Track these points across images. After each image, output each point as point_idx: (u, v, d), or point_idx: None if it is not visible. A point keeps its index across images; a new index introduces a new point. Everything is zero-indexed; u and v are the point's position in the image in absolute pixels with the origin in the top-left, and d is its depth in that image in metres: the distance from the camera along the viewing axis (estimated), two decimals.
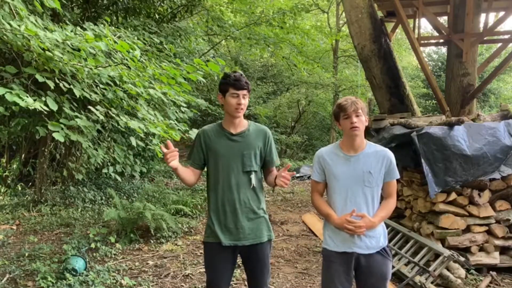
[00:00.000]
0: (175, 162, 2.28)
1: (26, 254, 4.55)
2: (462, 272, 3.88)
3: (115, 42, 3.91)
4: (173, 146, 2.28)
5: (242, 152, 2.35)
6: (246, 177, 2.36)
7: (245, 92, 2.30)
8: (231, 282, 3.91)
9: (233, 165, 2.34)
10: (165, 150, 2.26)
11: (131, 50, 4.02)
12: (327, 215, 2.30)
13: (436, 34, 7.75)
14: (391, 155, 2.29)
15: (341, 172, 2.26)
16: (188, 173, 2.42)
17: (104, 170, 6.21)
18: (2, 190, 7.69)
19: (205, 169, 2.49)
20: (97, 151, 5.33)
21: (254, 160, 2.37)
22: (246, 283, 3.83)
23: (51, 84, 3.61)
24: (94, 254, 4.64)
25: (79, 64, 3.78)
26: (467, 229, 4.15)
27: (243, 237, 2.34)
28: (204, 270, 4.25)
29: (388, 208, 2.29)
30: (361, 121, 2.22)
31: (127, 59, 4.17)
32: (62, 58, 3.56)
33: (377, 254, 2.26)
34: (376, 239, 2.25)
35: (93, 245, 4.78)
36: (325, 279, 2.33)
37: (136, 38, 4.97)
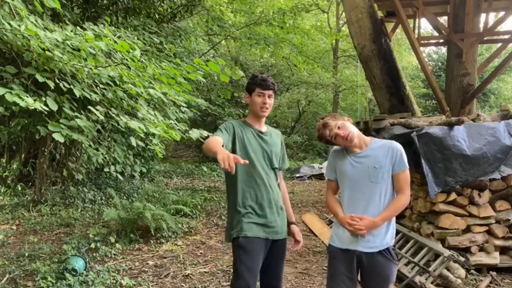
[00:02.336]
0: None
1: (26, 254, 4.54)
2: (462, 272, 3.88)
3: (115, 42, 3.91)
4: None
5: (270, 149, 2.44)
6: (273, 174, 2.46)
7: (270, 92, 2.39)
8: None
9: (262, 161, 2.40)
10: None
11: (131, 50, 4.01)
12: (334, 213, 2.35)
13: (436, 34, 7.74)
14: (398, 145, 2.26)
15: (348, 170, 2.28)
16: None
17: (106, 169, 6.21)
18: (2, 190, 7.69)
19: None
20: (97, 150, 5.33)
21: (277, 159, 2.49)
22: None
23: (51, 84, 3.60)
24: (94, 254, 4.64)
25: (79, 64, 3.78)
26: (467, 229, 4.15)
27: (274, 232, 2.39)
28: (203, 270, 4.28)
29: (395, 208, 2.23)
30: (347, 128, 2.25)
31: (127, 59, 4.17)
32: (62, 58, 3.56)
33: (380, 255, 2.23)
34: (380, 237, 2.23)
35: (93, 245, 4.78)
36: (329, 275, 2.35)
37: (136, 38, 4.97)
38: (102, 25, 4.59)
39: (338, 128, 2.25)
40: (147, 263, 4.50)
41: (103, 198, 7.51)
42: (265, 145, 2.43)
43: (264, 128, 2.49)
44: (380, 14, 7.14)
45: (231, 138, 2.35)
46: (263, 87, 2.37)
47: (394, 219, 2.32)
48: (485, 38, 6.69)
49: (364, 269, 2.26)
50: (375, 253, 2.23)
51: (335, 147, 2.42)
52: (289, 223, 2.58)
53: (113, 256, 4.67)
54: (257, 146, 2.40)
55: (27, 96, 3.21)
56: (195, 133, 4.30)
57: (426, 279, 3.63)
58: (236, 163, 1.89)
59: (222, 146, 2.13)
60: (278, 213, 2.41)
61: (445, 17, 7.94)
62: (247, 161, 2.04)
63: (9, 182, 7.99)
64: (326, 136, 2.27)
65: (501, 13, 7.04)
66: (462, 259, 3.80)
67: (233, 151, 2.34)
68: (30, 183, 7.97)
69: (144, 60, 4.52)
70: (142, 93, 4.15)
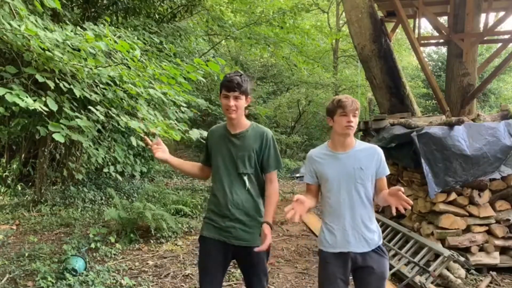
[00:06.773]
0: (162, 154, 2.42)
1: (26, 254, 4.54)
2: (462, 272, 3.88)
3: (115, 42, 3.91)
4: (161, 142, 2.45)
5: (237, 153, 2.33)
6: (240, 179, 2.34)
7: (236, 93, 2.24)
8: (231, 282, 3.91)
9: (228, 165, 2.35)
10: (149, 142, 2.41)
11: (131, 50, 4.01)
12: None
13: (436, 34, 7.74)
14: (381, 151, 2.30)
15: (332, 171, 2.26)
16: (189, 165, 2.57)
17: (105, 170, 6.21)
18: (2, 190, 7.69)
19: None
20: (98, 150, 5.33)
21: (248, 163, 2.33)
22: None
23: (51, 84, 3.60)
24: (94, 254, 4.64)
25: (79, 64, 3.78)
26: (467, 229, 4.15)
27: (233, 237, 2.32)
28: None
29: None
30: (356, 123, 2.26)
31: (127, 59, 4.17)
32: (62, 58, 3.55)
33: (373, 253, 2.25)
34: (370, 237, 2.25)
35: (93, 245, 4.78)
36: (322, 280, 2.32)
37: (136, 38, 4.96)
38: (102, 25, 4.59)
39: (354, 116, 2.21)
40: (147, 263, 4.50)
41: (103, 198, 7.50)
42: (233, 148, 2.33)
43: (239, 129, 2.35)
44: (380, 14, 7.14)
45: (206, 148, 2.50)
46: (228, 89, 2.24)
47: (374, 219, 2.33)
48: (485, 38, 6.69)
49: (359, 269, 2.26)
50: (369, 251, 2.24)
51: (313, 150, 2.41)
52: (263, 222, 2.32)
53: (113, 256, 4.67)
54: (224, 150, 2.35)
55: (27, 96, 3.21)
56: (195, 133, 4.29)
57: (426, 279, 3.63)
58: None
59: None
60: (239, 220, 2.30)
61: (445, 17, 7.95)
62: (144, 138, 2.43)
63: (9, 182, 7.98)
64: (347, 106, 2.17)
65: (501, 13, 7.04)
66: (462, 259, 3.79)
67: (208, 156, 2.48)
68: (30, 183, 7.97)
69: (144, 60, 4.52)
70: (142, 93, 4.15)
